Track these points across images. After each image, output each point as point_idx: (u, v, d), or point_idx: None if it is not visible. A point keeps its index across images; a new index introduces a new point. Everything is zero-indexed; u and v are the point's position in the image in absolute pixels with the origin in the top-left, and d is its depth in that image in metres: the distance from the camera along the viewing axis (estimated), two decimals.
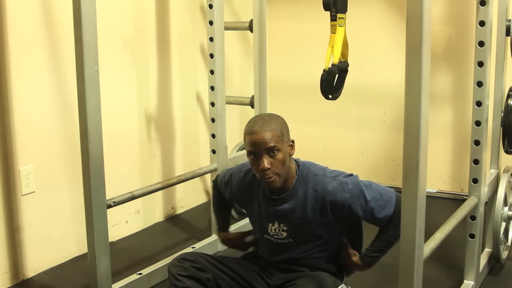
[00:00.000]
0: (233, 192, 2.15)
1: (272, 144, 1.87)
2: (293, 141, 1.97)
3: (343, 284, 2.03)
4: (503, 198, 2.74)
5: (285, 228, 2.02)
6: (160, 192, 3.50)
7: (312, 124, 4.20)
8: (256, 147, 1.88)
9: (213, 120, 3.04)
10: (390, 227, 1.93)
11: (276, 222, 2.02)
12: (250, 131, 1.91)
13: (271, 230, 2.04)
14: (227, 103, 3.11)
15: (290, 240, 2.03)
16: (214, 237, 3.08)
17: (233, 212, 3.20)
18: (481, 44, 2.38)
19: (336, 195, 1.93)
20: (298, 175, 1.98)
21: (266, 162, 1.87)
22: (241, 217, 3.34)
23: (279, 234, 2.03)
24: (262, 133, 1.88)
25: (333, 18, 2.37)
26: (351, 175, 1.98)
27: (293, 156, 1.99)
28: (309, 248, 2.03)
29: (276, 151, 1.88)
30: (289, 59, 4.31)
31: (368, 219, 1.95)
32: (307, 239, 2.01)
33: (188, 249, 2.93)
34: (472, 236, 2.50)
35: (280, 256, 2.06)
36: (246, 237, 2.20)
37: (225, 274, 2.04)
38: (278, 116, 1.98)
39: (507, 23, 2.57)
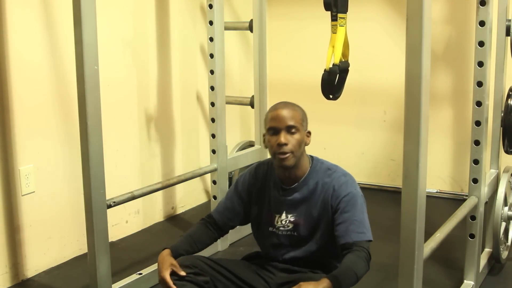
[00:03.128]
0: (246, 187, 2.15)
1: (292, 123, 1.96)
2: (309, 132, 2.05)
3: None
4: (503, 198, 2.74)
5: (292, 220, 2.04)
6: (160, 192, 3.50)
7: (312, 124, 4.19)
8: (277, 122, 1.96)
9: (213, 120, 3.04)
10: (352, 259, 1.89)
11: (284, 212, 2.06)
12: (274, 108, 2.01)
13: (277, 222, 2.07)
14: (227, 103, 3.11)
15: (295, 233, 2.04)
16: None
17: None
18: (481, 44, 2.38)
19: (338, 187, 1.99)
20: (312, 168, 2.04)
21: (283, 137, 1.95)
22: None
23: (285, 226, 2.06)
24: (285, 110, 1.97)
25: (334, 18, 2.38)
26: (358, 186, 2.03)
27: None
28: (311, 247, 2.04)
29: (295, 131, 1.96)
30: (289, 59, 4.31)
31: (337, 228, 1.95)
32: (310, 234, 2.02)
33: None
34: (472, 236, 2.50)
35: (282, 251, 2.07)
36: (179, 271, 1.96)
37: (223, 276, 2.04)
38: (301, 106, 2.07)
39: (507, 23, 2.57)
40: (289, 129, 1.96)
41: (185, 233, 2.14)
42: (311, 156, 2.08)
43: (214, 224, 2.16)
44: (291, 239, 2.05)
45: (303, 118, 2.02)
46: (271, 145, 1.99)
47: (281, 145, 1.95)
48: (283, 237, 2.06)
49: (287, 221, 2.05)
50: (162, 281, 1.94)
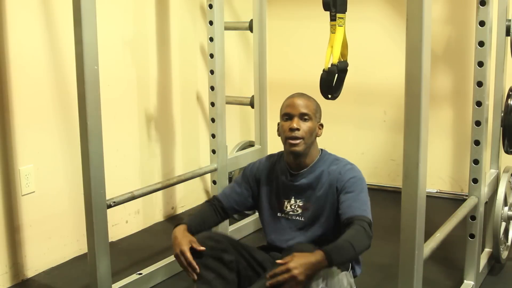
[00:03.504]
0: (254, 172, 2.22)
1: (306, 111, 2.06)
2: (322, 125, 2.14)
3: (346, 272, 2.02)
4: (503, 198, 2.73)
5: (300, 204, 2.11)
6: (160, 192, 3.50)
7: None
8: (291, 109, 2.06)
9: (213, 120, 3.04)
10: (351, 233, 1.88)
11: (293, 197, 2.12)
12: (290, 97, 2.12)
13: (286, 207, 2.13)
14: (227, 103, 3.11)
15: (302, 219, 2.09)
16: None
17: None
18: (481, 44, 2.38)
19: (344, 172, 2.06)
20: (320, 156, 2.13)
21: (296, 123, 2.04)
22: (241, 217, 3.34)
23: (294, 211, 2.12)
24: (301, 99, 2.09)
25: (333, 18, 2.38)
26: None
27: None
28: (316, 232, 2.07)
29: (307, 119, 2.06)
30: (289, 59, 4.31)
31: (341, 206, 1.99)
32: (317, 218, 2.06)
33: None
34: (472, 236, 2.50)
35: (287, 237, 2.09)
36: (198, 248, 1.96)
37: (244, 259, 2.07)
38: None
39: (507, 23, 2.57)
40: (302, 116, 2.05)
41: (195, 213, 2.19)
42: (321, 149, 2.16)
43: (220, 208, 2.20)
44: (298, 223, 2.10)
45: (317, 110, 2.11)
46: (283, 130, 2.07)
47: (293, 129, 2.03)
48: (291, 221, 2.11)
49: (296, 206, 2.11)
50: (181, 255, 1.94)
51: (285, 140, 2.07)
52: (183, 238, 1.98)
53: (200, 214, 2.18)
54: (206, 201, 2.25)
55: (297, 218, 2.11)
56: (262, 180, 2.20)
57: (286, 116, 2.07)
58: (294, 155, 2.08)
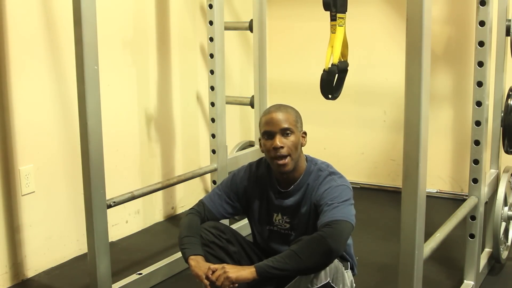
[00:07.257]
0: (244, 181, 2.15)
1: (286, 126, 1.97)
2: (305, 133, 2.06)
3: (348, 270, 2.02)
4: (503, 198, 2.74)
5: (288, 220, 2.09)
6: (160, 192, 3.50)
7: (312, 124, 4.19)
8: (271, 126, 1.98)
9: (213, 120, 3.04)
10: (302, 242, 1.84)
11: (280, 213, 2.10)
12: (267, 112, 2.02)
13: (275, 220, 2.11)
14: (227, 103, 3.11)
15: (292, 232, 2.09)
16: None
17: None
18: (481, 44, 2.38)
19: (321, 187, 1.99)
20: (306, 170, 2.05)
21: (279, 141, 1.96)
22: (241, 217, 3.34)
23: (283, 225, 2.10)
24: (279, 114, 1.98)
25: (333, 18, 2.38)
26: (345, 184, 1.99)
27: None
28: None
29: (289, 133, 1.98)
30: (289, 59, 4.31)
31: (317, 222, 1.92)
32: (304, 233, 2.04)
33: None
34: (472, 236, 2.50)
35: (280, 248, 2.09)
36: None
37: (244, 252, 2.11)
38: (294, 108, 2.07)
39: (507, 23, 2.57)
40: (284, 132, 1.97)
41: (189, 230, 2.06)
42: (306, 157, 2.09)
43: (211, 216, 2.14)
44: (287, 237, 2.10)
45: (297, 120, 2.02)
46: (267, 149, 2.00)
47: (276, 148, 1.96)
48: (281, 234, 2.11)
49: (283, 222, 2.10)
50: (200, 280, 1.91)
51: (271, 160, 2.00)
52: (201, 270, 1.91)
53: (195, 231, 2.06)
54: (195, 211, 2.14)
55: (286, 231, 2.10)
56: (250, 189, 2.14)
57: (267, 134, 1.99)
58: (283, 173, 2.02)
